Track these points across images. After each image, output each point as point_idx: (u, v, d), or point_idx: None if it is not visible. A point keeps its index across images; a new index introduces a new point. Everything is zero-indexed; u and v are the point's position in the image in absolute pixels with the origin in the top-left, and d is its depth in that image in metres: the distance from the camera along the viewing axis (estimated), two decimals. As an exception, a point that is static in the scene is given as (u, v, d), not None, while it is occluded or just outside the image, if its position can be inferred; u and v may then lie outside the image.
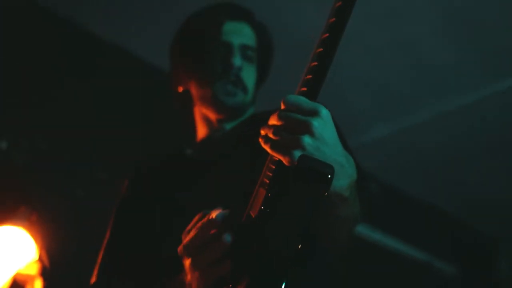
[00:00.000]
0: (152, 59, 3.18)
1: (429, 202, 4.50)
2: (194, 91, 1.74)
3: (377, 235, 4.25)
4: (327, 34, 1.07)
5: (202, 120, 1.75)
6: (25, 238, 2.41)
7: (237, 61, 1.66)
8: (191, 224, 1.18)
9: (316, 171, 0.99)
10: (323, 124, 1.04)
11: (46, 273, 2.42)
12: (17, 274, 2.38)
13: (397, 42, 3.06)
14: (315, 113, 1.04)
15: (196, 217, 1.18)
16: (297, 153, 1.01)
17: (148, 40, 3.06)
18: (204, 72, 1.70)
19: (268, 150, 1.07)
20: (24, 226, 2.42)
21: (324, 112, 1.05)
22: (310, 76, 1.07)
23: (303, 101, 1.05)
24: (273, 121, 1.07)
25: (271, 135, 1.06)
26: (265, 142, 1.07)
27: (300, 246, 1.02)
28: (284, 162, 1.04)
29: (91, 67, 3.12)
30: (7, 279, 2.35)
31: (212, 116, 1.71)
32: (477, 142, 3.75)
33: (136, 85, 3.20)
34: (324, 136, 1.04)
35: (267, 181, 1.08)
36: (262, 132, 1.09)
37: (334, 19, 1.07)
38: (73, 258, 2.65)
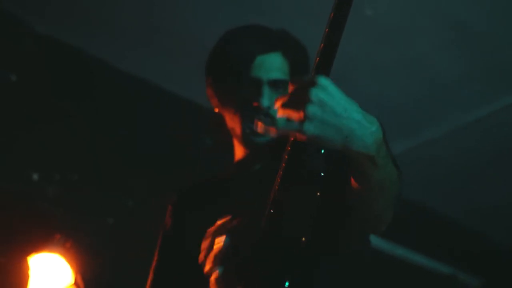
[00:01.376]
0: (185, 91, 3.20)
1: (452, 216, 4.48)
2: (227, 119, 1.73)
3: (400, 250, 4.27)
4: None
5: (239, 142, 1.74)
6: (61, 264, 2.55)
7: (265, 101, 1.61)
8: (206, 235, 1.30)
9: (309, 171, 1.07)
10: (322, 89, 1.05)
11: (82, 296, 2.57)
12: (56, 298, 2.53)
13: (405, 59, 3.07)
14: (312, 83, 1.06)
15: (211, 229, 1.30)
16: (305, 125, 1.04)
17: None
18: (234, 109, 1.67)
19: (281, 130, 1.10)
20: (60, 253, 2.56)
21: (322, 79, 1.06)
22: (323, 45, 1.11)
23: (304, 77, 1.09)
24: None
25: (280, 115, 1.09)
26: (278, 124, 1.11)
27: (305, 244, 1.11)
28: (297, 137, 1.09)
29: (107, 95, 3.19)
30: (47, 303, 2.50)
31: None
32: (496, 152, 3.70)
33: (153, 110, 3.28)
34: (325, 100, 1.05)
35: (277, 187, 1.17)
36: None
37: None
38: (106, 280, 2.79)
